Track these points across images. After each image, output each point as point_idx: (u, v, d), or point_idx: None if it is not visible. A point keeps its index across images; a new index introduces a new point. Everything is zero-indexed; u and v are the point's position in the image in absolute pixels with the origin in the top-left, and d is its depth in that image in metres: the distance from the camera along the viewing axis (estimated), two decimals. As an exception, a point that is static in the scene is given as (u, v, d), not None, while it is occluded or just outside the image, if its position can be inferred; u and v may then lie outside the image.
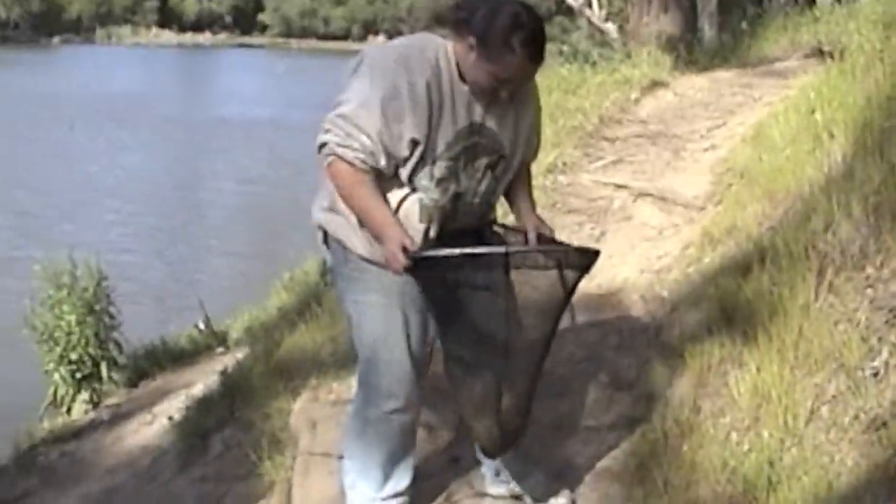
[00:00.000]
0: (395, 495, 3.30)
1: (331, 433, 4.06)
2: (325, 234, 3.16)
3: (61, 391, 7.76)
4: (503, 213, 3.46)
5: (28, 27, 73.95)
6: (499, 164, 3.07)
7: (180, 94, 41.55)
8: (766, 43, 11.29)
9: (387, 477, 3.28)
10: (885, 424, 2.80)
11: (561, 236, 5.77)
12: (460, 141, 2.95)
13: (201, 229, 17.75)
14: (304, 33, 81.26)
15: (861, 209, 3.61)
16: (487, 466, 3.44)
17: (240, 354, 7.03)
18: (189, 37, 79.68)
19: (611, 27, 15.80)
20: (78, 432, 7.02)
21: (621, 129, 7.98)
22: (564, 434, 3.81)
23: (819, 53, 9.35)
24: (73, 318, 7.74)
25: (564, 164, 6.97)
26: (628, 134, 7.83)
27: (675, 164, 6.94)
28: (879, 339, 3.07)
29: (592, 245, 5.64)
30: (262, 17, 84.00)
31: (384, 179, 2.94)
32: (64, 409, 7.76)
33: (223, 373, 5.98)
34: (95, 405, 7.68)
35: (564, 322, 4.33)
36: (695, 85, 9.49)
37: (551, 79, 9.13)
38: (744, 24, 12.32)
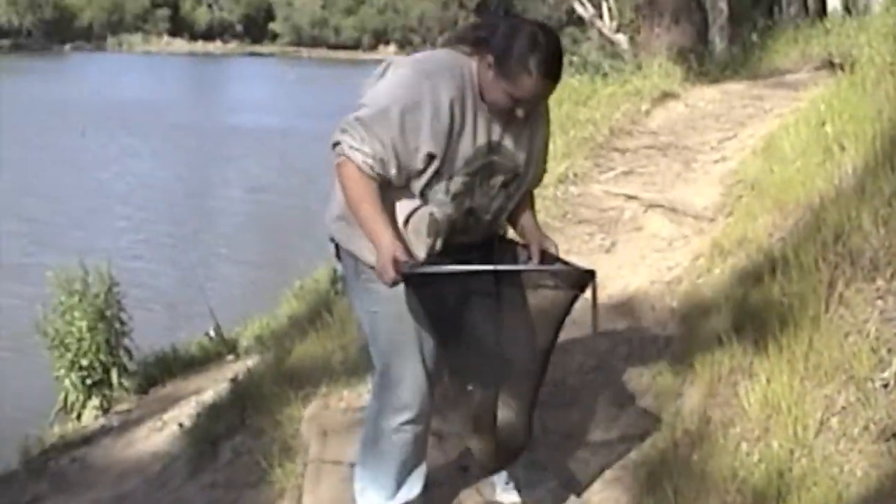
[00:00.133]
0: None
1: (341, 440, 4.07)
2: (337, 246, 3.18)
3: (72, 397, 7.78)
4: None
5: (40, 35, 74.24)
6: (513, 182, 3.09)
7: (191, 101, 41.63)
8: (776, 55, 11.32)
9: (398, 485, 3.30)
10: (894, 435, 2.81)
11: (571, 246, 5.86)
12: (479, 158, 2.97)
13: (212, 237, 17.78)
14: (315, 42, 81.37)
15: (871, 221, 3.62)
16: (497, 475, 3.45)
17: (250, 362, 7.05)
18: (200, 45, 79.90)
19: (622, 38, 15.84)
20: (88, 438, 7.03)
21: (632, 141, 8.00)
22: (574, 443, 3.82)
23: (830, 66, 9.37)
24: (84, 324, 7.76)
25: (575, 174, 6.99)
26: (639, 145, 7.85)
27: (685, 175, 6.96)
28: (889, 351, 3.08)
29: (603, 256, 5.73)
30: (272, 26, 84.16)
31: (395, 189, 2.95)
32: (74, 415, 7.77)
33: (234, 380, 6.00)
34: (106, 411, 7.69)
35: (587, 332, 4.38)
36: (706, 96, 9.51)
37: (562, 90, 9.12)
38: (754, 36, 12.35)
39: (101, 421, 7.48)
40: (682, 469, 3.26)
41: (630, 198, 6.53)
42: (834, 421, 3.05)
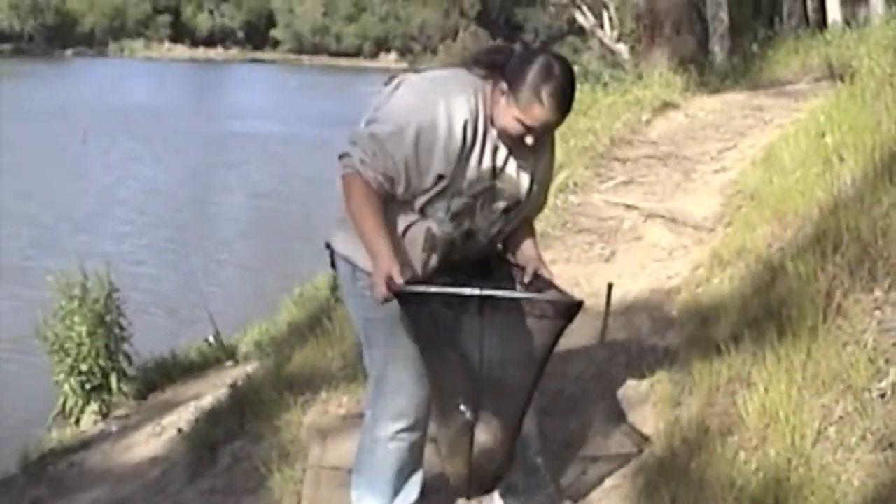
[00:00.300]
0: (403, 510, 3.33)
1: (341, 446, 4.08)
2: (332, 253, 3.18)
3: (70, 402, 7.79)
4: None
5: (42, 40, 74.33)
6: (514, 209, 3.10)
7: (193, 107, 41.67)
8: (777, 65, 11.36)
9: (395, 492, 3.31)
10: (891, 445, 2.83)
11: (571, 255, 5.88)
12: (482, 181, 2.98)
13: (213, 242, 17.81)
14: (316, 50, 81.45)
15: (870, 232, 3.64)
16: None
17: (250, 368, 7.06)
18: (201, 51, 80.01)
19: (622, 48, 15.88)
20: (87, 443, 7.04)
21: (632, 150, 8.03)
22: (573, 451, 3.83)
23: (830, 76, 9.40)
24: (83, 329, 7.76)
25: (575, 184, 7.01)
26: (639, 155, 7.88)
27: (685, 185, 6.98)
28: (887, 361, 3.10)
29: (602, 265, 5.75)
30: (274, 32, 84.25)
31: (396, 201, 2.96)
32: (73, 419, 7.78)
33: (233, 385, 6.00)
34: (105, 416, 7.69)
35: (586, 340, 4.39)
36: (706, 107, 9.54)
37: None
38: (755, 47, 12.39)
39: (100, 426, 7.48)
40: (681, 477, 3.27)
41: (630, 207, 6.55)
42: (831, 430, 3.06)
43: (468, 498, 3.23)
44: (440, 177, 2.91)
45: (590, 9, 17.17)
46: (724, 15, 12.83)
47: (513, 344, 2.88)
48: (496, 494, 3.41)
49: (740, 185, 6.35)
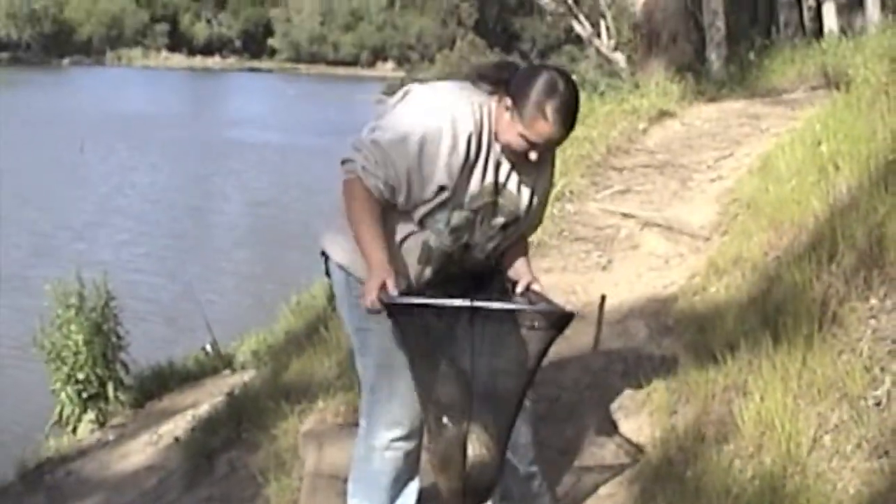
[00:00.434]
0: (400, 518, 3.33)
1: (337, 455, 4.08)
2: (327, 261, 3.18)
3: (67, 410, 7.78)
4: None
5: (39, 48, 74.46)
6: (512, 225, 3.10)
7: (190, 116, 41.72)
8: (773, 74, 11.38)
9: (392, 500, 3.31)
10: (887, 453, 2.83)
11: (568, 264, 5.88)
12: (483, 197, 2.98)
13: (211, 251, 17.86)
14: (313, 58, 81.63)
15: (865, 240, 3.65)
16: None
17: (246, 376, 7.07)
18: (199, 60, 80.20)
19: (619, 57, 15.90)
20: (84, 451, 7.04)
21: (629, 159, 8.04)
22: (569, 459, 3.83)
23: (826, 85, 9.42)
24: (80, 337, 7.76)
25: (572, 192, 7.02)
26: (635, 163, 7.89)
27: (681, 193, 7.00)
28: (882, 370, 3.11)
29: (599, 274, 5.76)
30: (271, 41, 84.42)
31: (395, 211, 2.96)
32: (70, 428, 7.77)
33: (230, 394, 6.01)
34: (101, 425, 7.69)
35: (582, 349, 4.38)
36: (702, 115, 9.56)
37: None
38: (751, 56, 12.41)
39: (97, 434, 7.48)
40: (676, 485, 3.28)
41: (626, 216, 6.56)
42: (827, 438, 3.07)
43: None
44: (442, 188, 2.91)
45: (587, 18, 17.19)
46: (720, 24, 12.85)
47: (504, 355, 2.88)
48: (495, 497, 3.41)
49: (736, 193, 6.36)
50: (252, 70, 76.40)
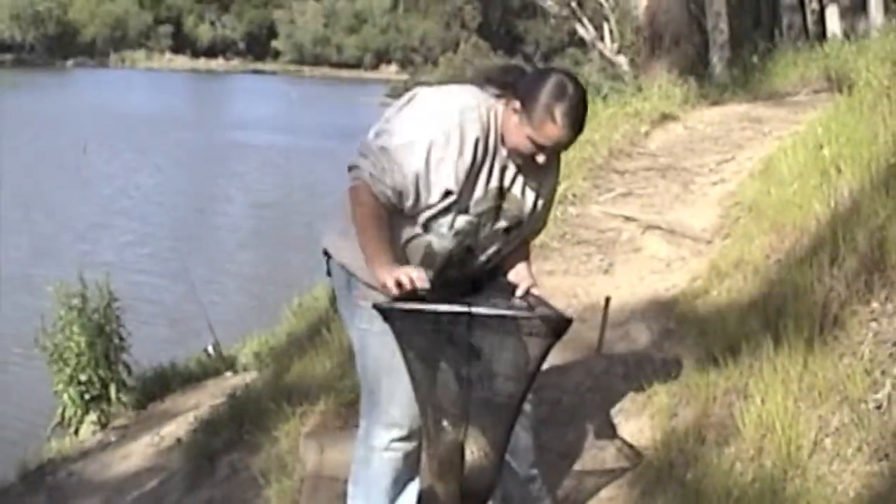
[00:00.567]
0: (399, 520, 3.33)
1: (338, 457, 4.09)
2: (328, 260, 3.18)
3: (70, 411, 7.80)
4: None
5: (43, 50, 74.57)
6: (515, 230, 3.10)
7: (194, 118, 41.77)
8: (776, 78, 11.37)
9: (391, 502, 3.32)
10: (887, 456, 2.84)
11: (570, 267, 5.88)
12: (489, 201, 2.98)
13: (215, 252, 17.89)
14: (317, 61, 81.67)
15: (867, 244, 3.65)
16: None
17: (248, 378, 7.07)
18: (202, 62, 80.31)
19: (622, 60, 15.91)
20: (86, 453, 7.05)
21: (631, 162, 8.04)
22: (570, 462, 3.83)
23: (829, 89, 9.42)
24: (83, 339, 7.77)
25: (574, 195, 7.02)
26: (638, 167, 7.89)
27: (683, 197, 7.00)
28: (883, 373, 3.11)
29: (601, 277, 5.75)
30: (275, 43, 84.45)
31: (400, 214, 2.96)
32: (72, 429, 7.78)
33: (232, 395, 6.01)
34: (103, 426, 7.70)
35: (584, 352, 4.38)
36: (705, 119, 9.56)
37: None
38: (754, 59, 12.41)
39: (99, 436, 7.49)
40: (677, 488, 3.28)
41: (628, 219, 6.56)
42: (828, 441, 3.07)
43: None
44: (448, 193, 2.90)
45: (590, 21, 17.22)
46: (723, 27, 12.86)
47: (502, 359, 2.88)
48: (495, 500, 3.41)
49: (738, 196, 6.36)
50: (255, 72, 76.52)
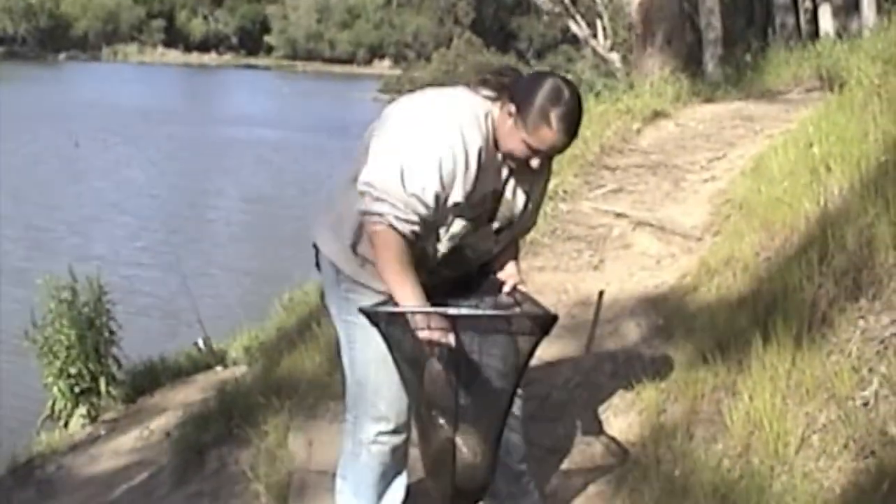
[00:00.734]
0: (388, 514, 3.33)
1: (327, 451, 4.09)
2: (317, 255, 3.18)
3: (59, 405, 7.76)
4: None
5: (35, 43, 74.38)
6: (506, 229, 3.11)
7: (186, 112, 41.70)
8: (768, 76, 11.40)
9: (380, 496, 3.32)
10: (873, 453, 2.85)
11: (560, 263, 5.89)
12: (484, 204, 2.98)
13: (208, 246, 17.88)
14: (310, 56, 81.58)
15: (855, 242, 3.67)
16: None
17: (238, 373, 7.06)
18: (195, 56, 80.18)
19: (615, 57, 15.92)
20: (75, 446, 7.02)
21: (622, 159, 8.05)
22: (558, 457, 3.84)
23: (821, 87, 9.44)
24: (73, 332, 7.74)
25: (565, 191, 7.03)
26: (629, 163, 7.90)
27: (674, 194, 7.01)
28: (870, 370, 3.12)
29: (591, 273, 5.76)
30: (268, 38, 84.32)
31: None
32: (62, 422, 7.76)
33: (221, 390, 6.00)
34: (93, 420, 7.67)
35: (573, 348, 4.39)
36: (696, 116, 9.57)
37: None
38: (747, 57, 12.43)
39: (89, 429, 7.46)
40: (664, 484, 3.29)
41: (619, 215, 6.57)
42: (815, 438, 3.08)
43: None
44: (457, 205, 2.90)
45: (583, 18, 17.23)
46: (716, 24, 12.87)
47: (492, 355, 2.89)
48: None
49: (729, 194, 6.37)
50: (248, 67, 76.40)
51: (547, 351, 4.43)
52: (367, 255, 2.99)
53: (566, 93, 2.83)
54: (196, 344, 8.79)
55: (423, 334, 2.77)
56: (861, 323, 3.34)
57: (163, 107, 41.99)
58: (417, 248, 2.93)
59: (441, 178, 2.83)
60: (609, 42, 16.78)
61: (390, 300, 2.92)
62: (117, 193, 22.09)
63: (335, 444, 3.93)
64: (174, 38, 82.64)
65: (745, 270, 4.58)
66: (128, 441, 6.65)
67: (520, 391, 3.09)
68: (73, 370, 7.69)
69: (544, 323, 2.82)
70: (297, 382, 5.19)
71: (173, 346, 9.11)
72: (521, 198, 3.07)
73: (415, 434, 3.15)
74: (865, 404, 3.03)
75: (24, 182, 22.06)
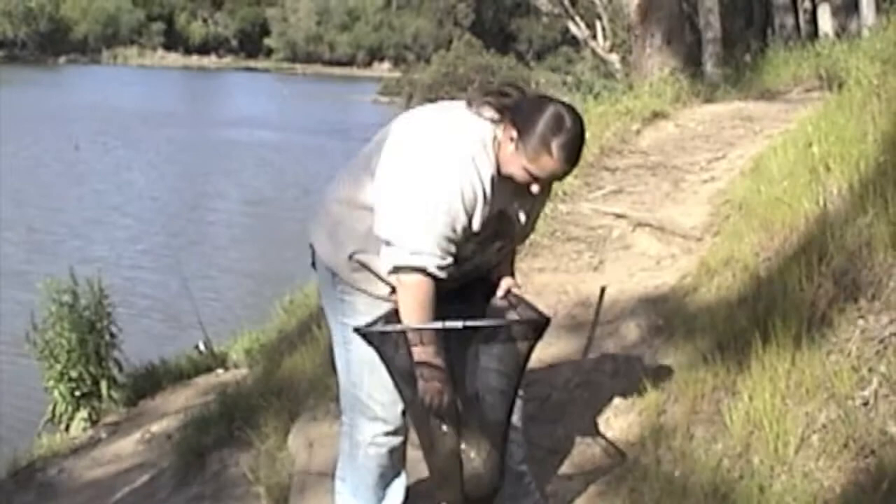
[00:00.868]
0: (387, 514, 3.34)
1: (327, 453, 4.09)
2: (314, 255, 3.19)
3: (60, 408, 7.77)
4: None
5: (35, 47, 74.41)
6: (506, 246, 3.13)
7: (186, 115, 41.72)
8: (768, 76, 11.41)
9: (379, 498, 3.33)
10: (873, 453, 2.85)
11: (560, 264, 5.89)
12: (490, 226, 2.98)
13: (209, 248, 17.90)
14: (310, 58, 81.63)
15: (855, 242, 3.66)
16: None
17: (239, 375, 7.07)
18: (195, 59, 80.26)
19: (614, 58, 15.93)
20: (76, 449, 7.03)
21: (622, 160, 8.05)
22: (559, 458, 3.84)
23: (820, 87, 9.45)
24: (73, 335, 7.75)
25: (565, 192, 7.03)
26: (629, 164, 7.90)
27: (674, 194, 7.01)
28: (870, 370, 3.12)
29: (590, 274, 5.76)
30: (267, 41, 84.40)
31: None
32: (63, 426, 7.76)
33: (222, 392, 6.01)
34: (94, 423, 7.68)
35: (573, 349, 4.39)
36: (696, 117, 9.58)
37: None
38: (746, 58, 12.44)
39: (90, 432, 7.47)
40: (664, 485, 3.29)
41: (619, 216, 6.57)
42: (815, 438, 3.08)
43: None
44: (475, 234, 2.92)
45: (583, 19, 17.25)
46: (716, 25, 12.88)
47: (489, 360, 2.90)
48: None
49: (728, 194, 6.37)
50: (248, 69, 76.43)
51: (547, 352, 4.44)
52: (363, 262, 2.99)
53: (568, 121, 2.82)
54: (197, 346, 8.80)
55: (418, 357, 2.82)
56: (860, 322, 3.34)
57: (163, 109, 42.02)
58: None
59: (465, 214, 2.85)
60: (608, 43, 16.79)
61: (387, 313, 2.95)
62: (118, 196, 22.10)
63: (335, 445, 3.93)
64: (174, 41, 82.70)
65: (744, 270, 4.58)
66: (129, 444, 6.65)
67: (520, 392, 3.10)
68: (73, 373, 7.71)
69: (538, 326, 2.83)
70: (298, 385, 5.20)
71: (174, 349, 9.12)
72: (522, 215, 3.08)
73: (414, 437, 3.16)
74: (865, 404, 3.02)
75: (25, 185, 22.08)
